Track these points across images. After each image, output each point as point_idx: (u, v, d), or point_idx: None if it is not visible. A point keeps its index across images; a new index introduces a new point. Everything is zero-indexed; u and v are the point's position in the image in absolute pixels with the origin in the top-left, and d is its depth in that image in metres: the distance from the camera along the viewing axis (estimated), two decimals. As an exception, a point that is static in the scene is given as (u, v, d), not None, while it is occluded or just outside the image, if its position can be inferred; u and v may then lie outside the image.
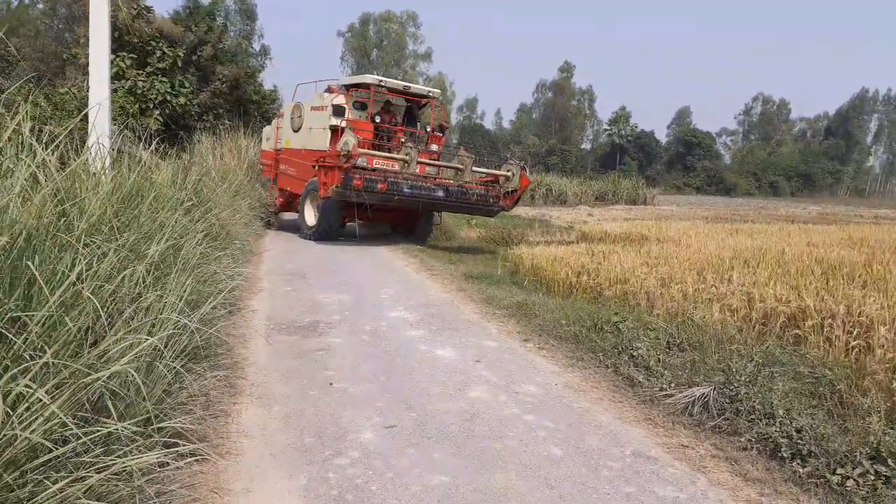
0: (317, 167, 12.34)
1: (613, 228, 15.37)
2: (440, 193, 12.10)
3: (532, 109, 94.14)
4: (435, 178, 12.56)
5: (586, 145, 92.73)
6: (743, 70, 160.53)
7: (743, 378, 4.38)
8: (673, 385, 4.53)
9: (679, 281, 7.29)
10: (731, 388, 4.29)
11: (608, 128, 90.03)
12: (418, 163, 12.02)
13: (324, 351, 5.31)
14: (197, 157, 14.62)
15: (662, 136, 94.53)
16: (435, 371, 4.95)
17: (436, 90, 13.85)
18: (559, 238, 14.30)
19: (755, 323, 5.92)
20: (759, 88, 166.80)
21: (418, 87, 13.56)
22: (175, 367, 3.24)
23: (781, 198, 69.58)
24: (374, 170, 11.52)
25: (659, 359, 4.96)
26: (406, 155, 11.86)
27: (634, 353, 5.12)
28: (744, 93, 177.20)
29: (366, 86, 13.06)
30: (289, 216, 15.74)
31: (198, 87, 21.10)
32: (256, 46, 35.73)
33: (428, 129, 13.94)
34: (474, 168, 12.77)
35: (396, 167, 12.00)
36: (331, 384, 4.55)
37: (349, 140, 11.10)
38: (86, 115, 6.34)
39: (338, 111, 12.83)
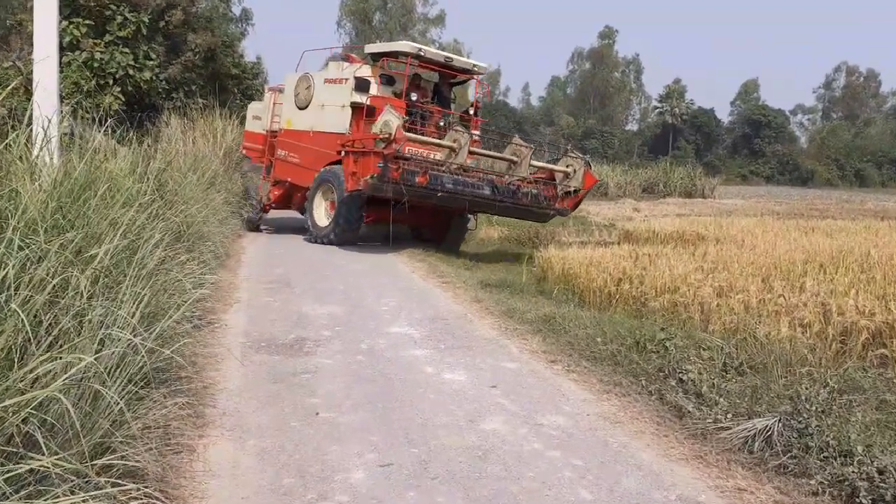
0: (344, 153, 12.24)
1: (663, 226, 15.29)
2: (486, 191, 11.92)
3: (566, 83, 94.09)
4: (477, 172, 12.36)
5: (632, 126, 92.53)
6: (823, 35, 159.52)
7: (815, 407, 4.32)
8: (729, 416, 4.48)
9: (740, 290, 7.24)
10: (800, 419, 4.23)
11: (658, 105, 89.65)
12: (470, 153, 11.78)
13: (310, 374, 5.32)
14: (163, 142, 14.70)
15: (724, 114, 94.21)
16: (442, 398, 4.95)
17: (482, 64, 13.68)
18: (597, 238, 14.26)
19: (832, 341, 5.85)
20: (843, 57, 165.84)
21: (462, 59, 13.40)
22: (127, 393, 3.25)
23: (869, 189, 68.84)
24: (408, 159, 11.18)
25: (713, 384, 4.91)
26: (455, 142, 11.62)
27: (684, 378, 5.08)
28: (824, 62, 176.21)
29: (399, 55, 12.93)
30: (274, 214, 15.80)
31: (166, 59, 21.26)
32: (236, 10, 36.00)
33: (471, 111, 13.77)
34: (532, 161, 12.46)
35: (439, 156, 11.81)
36: (317, 413, 4.55)
37: (391, 120, 10.88)
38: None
39: (361, 85, 12.63)
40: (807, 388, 4.60)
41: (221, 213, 11.50)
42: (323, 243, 12.65)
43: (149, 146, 10.50)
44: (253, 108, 16.49)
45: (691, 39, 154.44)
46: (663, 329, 6.07)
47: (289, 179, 14.33)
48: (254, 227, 14.80)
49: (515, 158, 12.31)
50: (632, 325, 6.47)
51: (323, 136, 13.33)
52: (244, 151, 16.48)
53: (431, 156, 11.81)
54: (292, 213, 15.80)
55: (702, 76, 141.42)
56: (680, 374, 5.14)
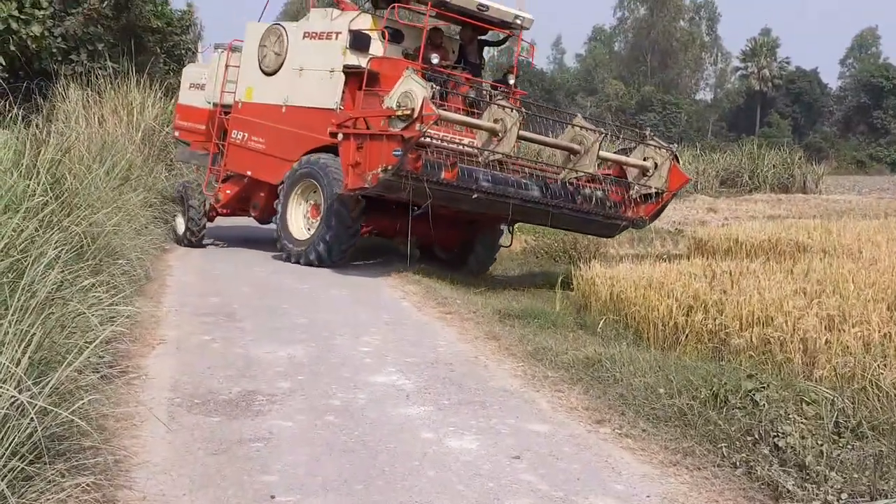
0: (341, 136, 11.84)
1: (749, 233, 15.27)
2: (535, 192, 11.86)
3: (613, 37, 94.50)
4: (518, 164, 12.25)
5: (705, 95, 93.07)
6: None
7: (964, 485, 4.31)
8: (844, 496, 4.47)
9: (857, 321, 7.21)
10: (944, 501, 4.23)
11: (741, 65, 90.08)
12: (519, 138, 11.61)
13: (262, 442, 5.30)
14: (59, 122, 14.79)
15: (832, 77, 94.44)
16: (446, 475, 4.92)
17: (527, 15, 13.49)
18: (658, 250, 14.28)
19: None
20: None
21: (500, 7, 13.11)
22: (10, 471, 3.24)
23: None
24: (426, 145, 11.09)
25: (821, 452, 4.89)
26: (498, 122, 11.46)
27: (780, 443, 5.05)
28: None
29: (414, 1, 12.81)
30: (222, 221, 15.78)
31: (62, 8, 21.41)
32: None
33: (510, 79, 13.70)
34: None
35: (474, 142, 11.70)
36: (272, 497, 4.54)
37: (414, 90, 10.72)
38: None
39: (359, 42, 12.56)
40: (952, 458, 4.59)
41: (139, 220, 11.54)
42: (300, 263, 12.41)
43: (39, 127, 10.56)
44: (190, 73, 16.38)
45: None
46: (751, 376, 6.03)
47: (248, 173, 14.20)
48: (194, 241, 14.53)
49: (577, 147, 12.13)
50: (708, 371, 6.42)
51: (301, 112, 13.23)
52: (177, 134, 16.36)
53: (457, 141, 11.72)
54: (247, 221, 15.78)
55: (799, 26, 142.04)
56: (775, 439, 5.11)
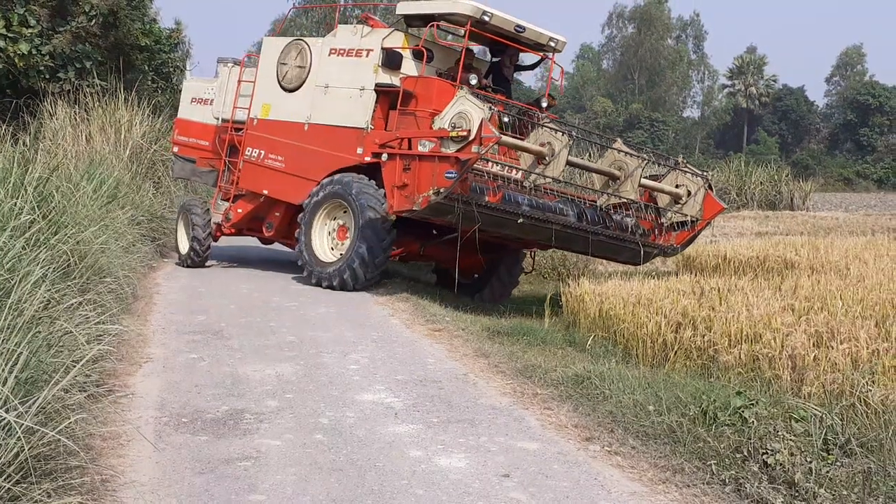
0: (385, 157, 11.68)
1: (737, 249, 15.36)
2: (570, 217, 11.82)
3: (602, 54, 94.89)
4: (549, 187, 11.96)
5: (692, 112, 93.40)
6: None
7: (952, 501, 4.32)
8: (834, 514, 4.48)
9: (846, 338, 7.24)
10: (933, 518, 4.24)
11: (728, 83, 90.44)
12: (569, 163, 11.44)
13: (250, 461, 5.28)
14: (47, 140, 14.77)
15: (819, 94, 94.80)
16: (435, 494, 4.91)
17: (560, 37, 13.38)
18: (646, 266, 14.27)
19: (974, 407, 5.85)
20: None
21: (536, 29, 12.98)
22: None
23: None
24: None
25: (810, 469, 4.90)
26: (545, 146, 11.30)
27: (769, 460, 5.06)
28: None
29: (452, 19, 12.51)
30: (226, 241, 15.69)
31: (50, 25, 21.39)
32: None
33: (543, 103, 13.42)
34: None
35: (496, 168, 11.47)
36: (260, 516, 4.52)
37: (469, 110, 10.62)
38: None
39: (391, 59, 12.36)
40: (940, 474, 4.61)
41: (127, 238, 11.50)
42: (331, 286, 12.14)
43: (27, 145, 10.57)
44: (192, 87, 16.15)
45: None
46: (740, 393, 6.05)
47: (265, 192, 13.91)
48: (198, 261, 14.30)
49: (618, 172, 12.10)
50: (697, 388, 6.45)
51: (327, 130, 12.97)
52: (176, 149, 16.08)
53: (492, 167, 11.51)
54: (243, 240, 15.66)
55: (785, 43, 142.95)
56: (764, 456, 5.12)
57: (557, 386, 7.12)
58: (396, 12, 13.26)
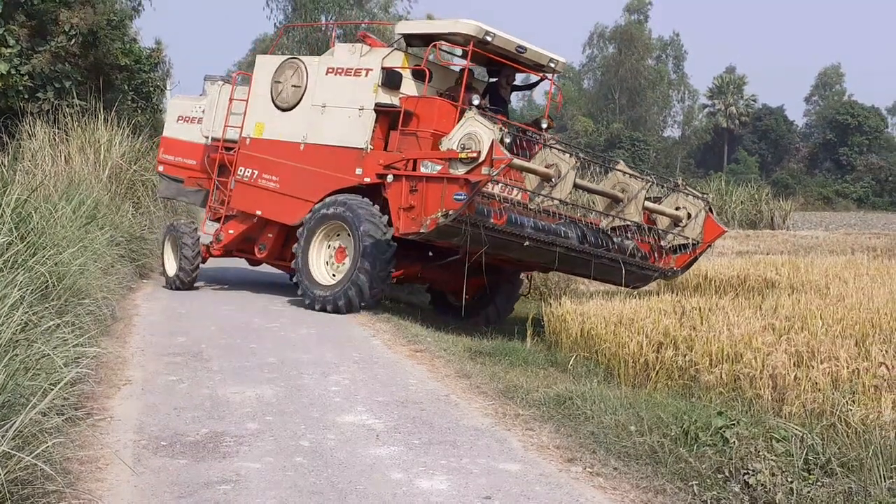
0: (391, 178, 11.54)
1: (718, 268, 15.38)
2: (573, 239, 11.74)
3: (583, 74, 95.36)
4: (549, 209, 11.76)
5: (672, 132, 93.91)
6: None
7: (933, 521, 4.33)
8: (815, 534, 4.48)
9: (826, 357, 7.25)
10: (914, 538, 4.25)
11: (708, 103, 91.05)
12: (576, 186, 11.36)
13: (230, 484, 5.25)
14: (25, 161, 14.70)
15: (798, 114, 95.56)
16: (416, 516, 4.89)
17: (560, 58, 13.40)
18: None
19: (954, 426, 5.87)
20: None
21: (537, 49, 12.95)
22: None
23: None
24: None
25: (791, 489, 4.91)
26: (551, 167, 11.22)
27: (751, 480, 5.07)
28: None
29: (453, 39, 12.48)
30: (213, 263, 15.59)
31: (29, 45, 21.33)
32: (127, -22, 36.34)
33: (543, 124, 13.41)
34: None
35: (521, 186, 11.42)
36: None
37: (479, 132, 10.56)
38: None
39: (391, 79, 12.29)
40: (921, 494, 4.62)
41: (106, 259, 11.46)
42: (327, 310, 11.94)
43: (5, 166, 10.52)
44: (178, 105, 15.92)
45: (748, 13, 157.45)
46: (721, 413, 6.06)
47: (258, 213, 13.75)
48: (187, 283, 14.13)
49: (621, 195, 12.06)
50: (678, 408, 6.46)
51: (324, 150, 12.87)
52: (161, 168, 15.75)
53: (495, 189, 11.33)
54: (225, 262, 15.55)
55: (764, 63, 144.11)
56: (745, 477, 5.13)
57: (539, 407, 7.12)
58: (396, 31, 13.11)
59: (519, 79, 13.99)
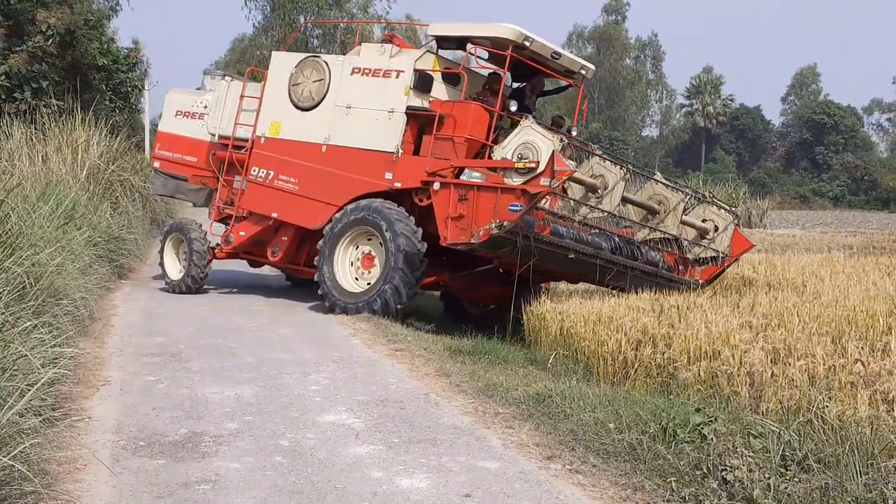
0: (437, 185, 11.24)
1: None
2: (606, 250, 11.59)
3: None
4: (571, 218, 11.76)
5: (651, 131, 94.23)
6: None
7: (908, 515, 4.36)
8: (792, 529, 4.51)
9: (802, 354, 7.29)
10: (889, 532, 4.28)
11: (686, 103, 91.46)
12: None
13: (209, 484, 5.23)
14: (2, 161, 14.58)
15: (775, 114, 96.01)
16: (396, 514, 4.89)
17: (590, 65, 13.28)
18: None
19: (929, 421, 5.91)
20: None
21: (572, 56, 12.86)
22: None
23: (973, 212, 70.47)
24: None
25: (768, 486, 4.93)
26: (598, 178, 11.06)
27: (728, 477, 5.09)
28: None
29: (492, 43, 12.12)
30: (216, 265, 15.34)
31: (6, 45, 21.20)
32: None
33: (573, 131, 13.20)
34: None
35: (568, 197, 11.27)
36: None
37: (536, 141, 10.34)
38: None
39: (423, 82, 12.07)
40: (895, 489, 4.65)
41: (84, 259, 11.37)
42: (349, 312, 11.62)
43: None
44: (176, 99, 15.33)
45: (725, 13, 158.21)
46: (699, 410, 6.08)
47: (274, 215, 13.31)
48: (195, 287, 13.82)
49: (657, 207, 12.01)
50: (656, 406, 6.48)
51: (350, 153, 12.47)
52: (157, 164, 15.38)
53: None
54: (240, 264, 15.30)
55: (741, 64, 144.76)
56: (723, 473, 5.15)
57: (519, 405, 7.13)
58: (429, 33, 12.71)
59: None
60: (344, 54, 13.83)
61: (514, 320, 11.04)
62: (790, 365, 7.07)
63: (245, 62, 39.79)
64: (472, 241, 10.60)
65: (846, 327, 8.22)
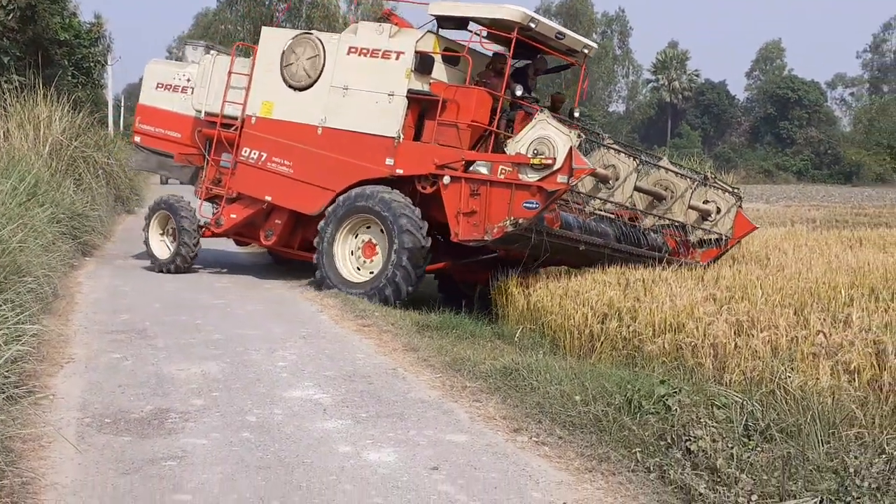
0: (447, 180, 10.92)
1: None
2: (609, 235, 11.48)
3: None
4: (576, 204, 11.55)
5: (617, 107, 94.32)
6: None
7: (868, 483, 4.43)
8: (755, 497, 4.56)
9: (765, 326, 7.40)
10: (849, 499, 4.34)
11: (652, 78, 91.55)
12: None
13: (175, 460, 5.23)
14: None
15: (739, 89, 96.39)
16: (364, 489, 4.92)
17: (593, 44, 13.02)
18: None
19: (888, 392, 6.00)
20: (894, 10, 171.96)
21: (575, 36, 12.47)
22: None
23: (933, 185, 71.23)
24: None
25: (731, 455, 4.98)
26: (609, 168, 10.93)
27: (692, 447, 5.15)
28: (871, 17, 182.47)
29: (494, 25, 11.68)
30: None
31: (-36, 19, 20.87)
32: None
33: (576, 113, 12.85)
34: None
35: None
36: (186, 516, 4.48)
37: (552, 136, 10.12)
38: None
39: (424, 64, 11.64)
40: (856, 458, 4.72)
41: (46, 236, 11.26)
42: (378, 298, 11.22)
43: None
44: (157, 71, 14.84)
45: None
46: (664, 381, 6.15)
47: (268, 198, 12.88)
48: (184, 267, 13.49)
49: (664, 193, 11.92)
50: (622, 378, 6.54)
51: (347, 136, 12.07)
52: (138, 139, 14.87)
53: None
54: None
55: (706, 39, 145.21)
56: (687, 443, 5.21)
57: (486, 378, 7.17)
58: (429, 12, 12.06)
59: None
60: (310, 30, 13.53)
61: (479, 293, 11.05)
62: (753, 336, 7.17)
63: (209, 37, 39.25)
64: (486, 237, 10.45)
65: (808, 299, 8.32)
